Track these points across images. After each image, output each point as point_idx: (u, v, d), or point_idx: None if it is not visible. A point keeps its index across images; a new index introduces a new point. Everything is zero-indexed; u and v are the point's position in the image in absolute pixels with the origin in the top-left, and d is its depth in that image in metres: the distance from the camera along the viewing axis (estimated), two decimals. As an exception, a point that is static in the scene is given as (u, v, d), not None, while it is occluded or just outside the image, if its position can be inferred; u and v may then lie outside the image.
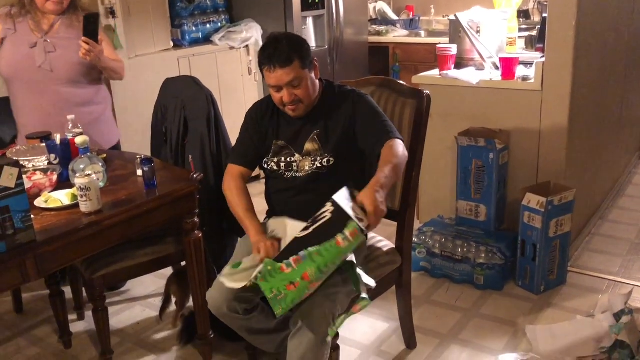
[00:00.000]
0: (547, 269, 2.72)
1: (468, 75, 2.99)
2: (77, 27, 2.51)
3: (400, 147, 1.91)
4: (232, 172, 2.09)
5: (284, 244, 1.92)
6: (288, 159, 2.03)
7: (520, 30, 3.71)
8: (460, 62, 3.14)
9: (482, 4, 3.38)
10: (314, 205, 1.86)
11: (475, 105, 2.99)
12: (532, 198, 2.65)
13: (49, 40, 2.49)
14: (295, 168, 2.02)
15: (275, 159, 2.04)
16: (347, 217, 1.64)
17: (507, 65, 2.87)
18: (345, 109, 2.01)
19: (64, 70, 2.51)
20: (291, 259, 1.69)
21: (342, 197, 1.69)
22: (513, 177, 2.96)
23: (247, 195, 2.05)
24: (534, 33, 3.72)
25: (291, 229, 1.97)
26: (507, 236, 2.87)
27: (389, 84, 2.27)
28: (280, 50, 1.89)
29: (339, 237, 1.66)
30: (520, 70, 2.92)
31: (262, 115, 2.09)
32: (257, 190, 2.32)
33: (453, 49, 3.10)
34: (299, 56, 1.91)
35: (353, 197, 1.74)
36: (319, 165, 2.00)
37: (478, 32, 3.08)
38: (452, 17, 3.19)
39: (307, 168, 2.01)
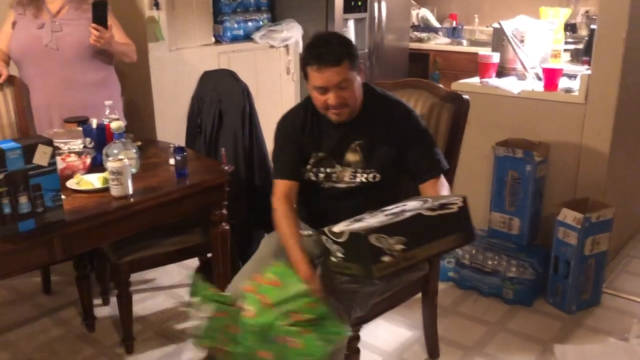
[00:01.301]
0: (580, 288, 2.62)
1: (509, 85, 2.92)
2: (85, 9, 2.56)
3: (443, 186, 1.93)
4: (280, 193, 1.92)
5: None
6: (327, 170, 1.95)
7: (566, 43, 3.63)
8: (502, 71, 3.08)
9: (528, 14, 3.30)
10: (348, 215, 1.79)
11: (515, 116, 2.92)
12: (569, 214, 2.57)
13: (57, 22, 2.54)
14: (334, 179, 1.95)
15: (314, 170, 1.96)
16: (469, 223, 1.58)
17: (550, 76, 2.80)
18: (396, 125, 1.92)
19: (71, 49, 2.55)
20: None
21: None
22: (550, 191, 2.87)
23: (292, 220, 1.87)
24: (581, 47, 3.64)
25: None
26: (539, 251, 2.78)
27: (427, 87, 2.23)
28: (330, 49, 1.79)
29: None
30: (563, 82, 2.84)
31: (301, 126, 1.95)
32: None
33: (495, 57, 3.04)
34: (348, 57, 1.81)
35: None
36: (364, 180, 1.93)
37: (522, 41, 3.01)
38: (496, 25, 3.13)
39: (346, 179, 1.94)
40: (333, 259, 1.61)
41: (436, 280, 2.23)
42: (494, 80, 2.99)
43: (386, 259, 1.46)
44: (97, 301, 2.70)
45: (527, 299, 2.69)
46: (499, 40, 3.11)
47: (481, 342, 2.45)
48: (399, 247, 1.47)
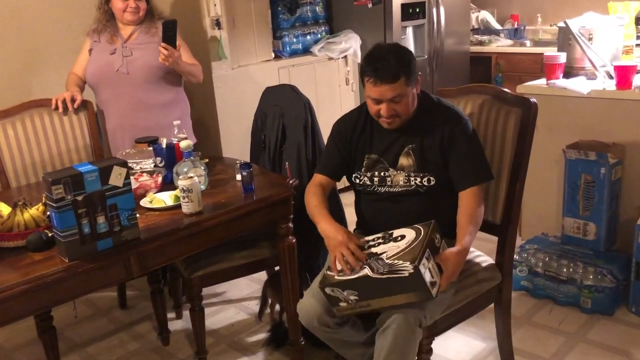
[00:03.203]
0: (665, 296, 2.49)
1: (578, 85, 2.82)
2: (154, 33, 2.65)
3: (479, 200, 1.91)
4: (313, 181, 2.09)
5: None
6: (382, 174, 1.98)
7: (639, 38, 3.46)
8: (570, 71, 2.97)
9: (595, 11, 3.18)
10: (405, 219, 1.83)
11: (586, 117, 2.81)
12: (650, 217, 2.44)
13: (127, 47, 2.64)
14: (389, 183, 1.97)
15: (369, 174, 2.00)
16: (423, 284, 1.67)
17: (623, 74, 2.68)
18: (444, 129, 1.93)
19: (140, 73, 2.64)
20: None
21: (425, 255, 1.69)
22: (627, 194, 2.74)
23: (320, 197, 2.01)
24: (655, 40, 3.46)
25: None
26: (619, 257, 2.65)
27: (492, 92, 2.18)
28: (388, 66, 1.82)
29: None
30: (638, 79, 2.71)
31: (352, 128, 2.02)
32: (349, 200, 2.30)
33: (562, 57, 2.93)
34: (405, 73, 1.84)
35: (436, 248, 1.76)
36: (417, 183, 1.94)
37: (590, 39, 2.90)
38: (561, 23, 3.03)
39: (401, 183, 1.96)
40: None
41: (509, 289, 2.16)
42: (561, 81, 2.89)
43: (343, 304, 1.79)
44: (170, 315, 2.77)
45: (607, 308, 2.56)
46: (565, 39, 3.00)
47: (559, 353, 2.36)
48: (353, 297, 1.75)
